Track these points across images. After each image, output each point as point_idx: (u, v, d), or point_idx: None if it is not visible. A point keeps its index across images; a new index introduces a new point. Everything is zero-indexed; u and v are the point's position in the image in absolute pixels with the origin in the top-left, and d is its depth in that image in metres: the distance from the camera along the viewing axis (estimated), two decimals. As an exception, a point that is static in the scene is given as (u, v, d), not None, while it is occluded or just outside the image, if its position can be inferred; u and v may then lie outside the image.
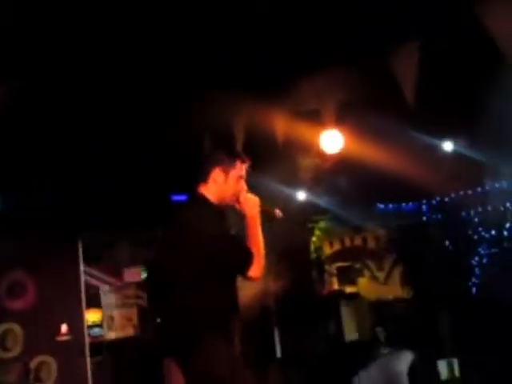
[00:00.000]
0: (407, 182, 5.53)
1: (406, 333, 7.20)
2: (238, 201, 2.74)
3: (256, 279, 2.61)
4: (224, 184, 2.69)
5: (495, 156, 5.13)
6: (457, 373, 5.92)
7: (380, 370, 5.07)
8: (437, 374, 5.88)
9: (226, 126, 4.46)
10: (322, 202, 6.89)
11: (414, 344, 6.72)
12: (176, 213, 2.79)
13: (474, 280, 7.79)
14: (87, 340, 5.80)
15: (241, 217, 2.78)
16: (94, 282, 6.28)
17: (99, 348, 6.26)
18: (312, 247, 8.62)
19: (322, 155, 4.84)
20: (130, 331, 6.19)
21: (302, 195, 6.69)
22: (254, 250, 2.61)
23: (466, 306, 7.41)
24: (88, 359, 5.72)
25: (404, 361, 5.22)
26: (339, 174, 6.03)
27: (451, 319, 7.44)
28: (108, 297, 6.26)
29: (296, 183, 6.18)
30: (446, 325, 7.45)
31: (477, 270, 7.78)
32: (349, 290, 9.04)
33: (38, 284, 5.66)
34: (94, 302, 6.40)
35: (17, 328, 5.40)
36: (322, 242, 8.87)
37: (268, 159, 4.56)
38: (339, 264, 9.42)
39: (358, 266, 9.31)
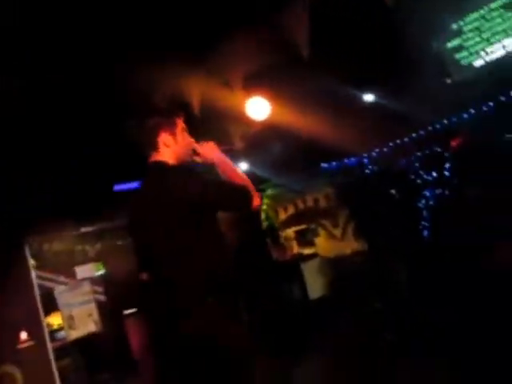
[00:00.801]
0: (341, 139, 5.62)
1: (365, 284, 7.41)
2: (195, 153, 2.71)
3: (258, 206, 2.59)
4: (175, 144, 2.65)
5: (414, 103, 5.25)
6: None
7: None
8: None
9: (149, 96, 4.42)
10: (264, 170, 6.93)
11: (372, 294, 6.94)
12: (138, 191, 2.66)
13: (423, 223, 8.03)
14: (49, 345, 5.74)
15: (208, 168, 2.73)
16: (48, 284, 6.21)
17: (66, 350, 6.22)
18: (263, 216, 8.70)
19: (250, 123, 4.87)
20: (92, 327, 6.17)
21: (243, 166, 6.71)
22: (241, 182, 2.59)
23: (420, 251, 7.65)
24: (53, 364, 5.66)
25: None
26: (274, 141, 6.06)
27: (406, 265, 7.65)
28: (64, 297, 6.21)
29: (234, 154, 6.19)
30: (401, 271, 7.65)
31: (425, 213, 8.02)
32: (307, 251, 9.20)
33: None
34: (56, 305, 6.34)
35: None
36: (273, 209, 8.95)
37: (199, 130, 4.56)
38: (296, 227, 9.56)
39: (313, 226, 9.48)
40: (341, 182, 8.20)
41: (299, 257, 8.94)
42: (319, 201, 9.14)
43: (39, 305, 5.81)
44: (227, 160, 2.71)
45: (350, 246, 8.96)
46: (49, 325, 6.70)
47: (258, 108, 4.69)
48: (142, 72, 4.15)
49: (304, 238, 9.60)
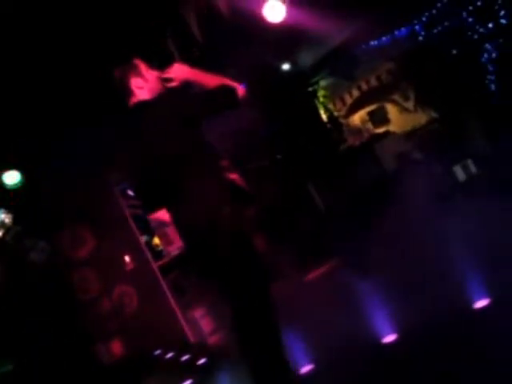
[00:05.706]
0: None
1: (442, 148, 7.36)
2: (168, 80, 2.81)
3: (244, 97, 2.73)
4: (146, 82, 2.80)
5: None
6: (473, 170, 6.09)
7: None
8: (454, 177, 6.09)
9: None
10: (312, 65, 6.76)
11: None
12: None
13: (489, 77, 7.74)
14: (153, 263, 6.44)
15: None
16: (139, 211, 6.86)
17: (174, 264, 6.89)
18: (321, 109, 8.67)
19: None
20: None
21: (286, 66, 6.74)
22: (220, 83, 2.73)
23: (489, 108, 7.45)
24: (160, 278, 6.33)
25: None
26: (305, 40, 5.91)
27: (479, 124, 7.48)
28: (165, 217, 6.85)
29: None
30: (475, 129, 7.49)
31: (489, 67, 7.69)
32: (382, 130, 9.19)
33: (95, 232, 6.31)
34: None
35: (89, 271, 6.18)
36: (332, 98, 8.91)
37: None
38: (366, 109, 9.53)
39: (384, 104, 9.40)
40: (398, 53, 7.96)
41: (373, 137, 8.97)
42: (382, 77, 8.99)
43: (136, 231, 6.52)
44: (198, 71, 2.81)
45: (424, 115, 8.86)
46: (156, 245, 7.51)
47: (275, 10, 4.79)
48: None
49: (377, 118, 9.57)
